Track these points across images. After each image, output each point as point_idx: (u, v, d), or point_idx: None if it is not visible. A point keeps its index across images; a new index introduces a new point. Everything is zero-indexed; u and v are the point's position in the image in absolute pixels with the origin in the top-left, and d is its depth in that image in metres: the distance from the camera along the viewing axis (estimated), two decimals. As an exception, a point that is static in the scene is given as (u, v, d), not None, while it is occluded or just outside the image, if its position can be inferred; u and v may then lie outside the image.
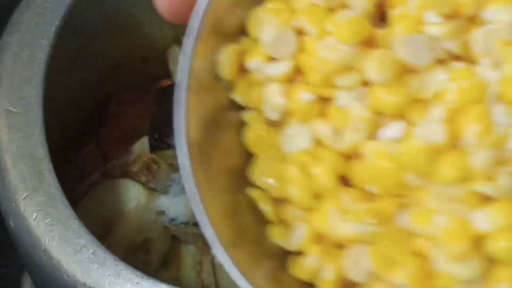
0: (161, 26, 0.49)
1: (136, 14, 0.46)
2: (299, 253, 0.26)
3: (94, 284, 0.34)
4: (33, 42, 0.39)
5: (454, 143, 0.24)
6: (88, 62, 0.46)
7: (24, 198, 0.36)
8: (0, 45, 0.40)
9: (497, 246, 0.24)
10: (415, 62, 0.25)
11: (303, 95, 0.25)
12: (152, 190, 0.46)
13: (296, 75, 0.26)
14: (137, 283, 0.34)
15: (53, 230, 0.35)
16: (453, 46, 0.25)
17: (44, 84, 0.38)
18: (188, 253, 0.46)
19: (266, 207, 0.26)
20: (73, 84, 0.45)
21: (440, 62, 0.25)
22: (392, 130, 0.25)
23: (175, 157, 0.24)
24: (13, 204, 0.36)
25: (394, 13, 0.25)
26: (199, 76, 0.25)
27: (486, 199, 0.24)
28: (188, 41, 0.24)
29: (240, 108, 0.26)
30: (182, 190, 0.46)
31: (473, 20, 0.25)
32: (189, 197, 0.24)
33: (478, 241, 0.24)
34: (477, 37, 0.25)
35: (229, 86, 0.26)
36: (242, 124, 0.26)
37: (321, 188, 0.25)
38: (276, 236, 0.26)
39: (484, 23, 0.25)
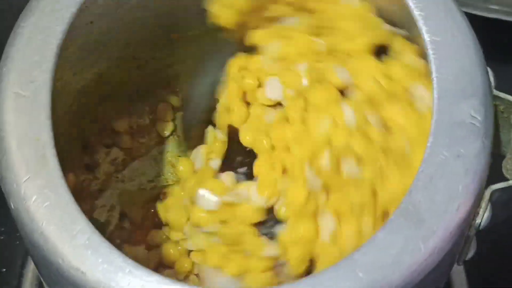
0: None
1: (154, 5, 0.47)
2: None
3: (86, 269, 0.34)
4: (47, 27, 0.39)
5: None
6: (102, 52, 0.46)
7: (25, 180, 0.36)
8: (15, 29, 0.40)
9: None
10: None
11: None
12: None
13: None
14: (128, 271, 0.34)
15: (51, 214, 0.35)
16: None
17: (54, 69, 0.39)
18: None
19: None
20: (85, 73, 0.46)
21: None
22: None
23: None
24: (15, 185, 0.36)
25: None
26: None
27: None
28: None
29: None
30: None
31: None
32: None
33: None
34: None
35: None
36: None
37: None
38: None
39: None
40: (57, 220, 0.35)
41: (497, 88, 0.41)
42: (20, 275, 0.54)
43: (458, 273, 0.54)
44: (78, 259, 0.35)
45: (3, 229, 0.54)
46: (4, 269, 0.54)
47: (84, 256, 0.35)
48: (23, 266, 0.54)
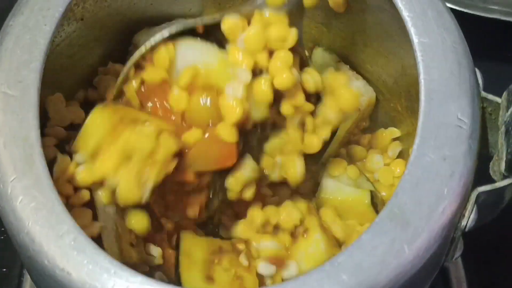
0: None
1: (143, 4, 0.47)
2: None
3: (72, 270, 0.35)
4: (35, 26, 0.39)
5: None
6: (91, 51, 0.46)
7: (12, 180, 0.36)
8: (3, 28, 0.40)
9: None
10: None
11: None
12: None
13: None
14: (114, 272, 0.34)
15: (37, 214, 0.36)
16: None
17: (42, 69, 0.39)
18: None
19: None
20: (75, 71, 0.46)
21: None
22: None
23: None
24: (1, 185, 0.36)
25: None
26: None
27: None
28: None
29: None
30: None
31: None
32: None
33: None
34: None
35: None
36: None
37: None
38: None
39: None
40: (44, 220, 0.36)
41: (485, 89, 0.41)
42: (20, 275, 0.54)
43: (457, 270, 0.54)
44: (64, 260, 0.35)
45: (3, 229, 0.54)
46: (5, 269, 0.54)
47: (70, 257, 0.35)
48: (23, 266, 0.54)
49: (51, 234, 0.35)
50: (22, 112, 0.38)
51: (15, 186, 0.36)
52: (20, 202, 0.36)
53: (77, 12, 0.42)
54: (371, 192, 0.46)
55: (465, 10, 0.59)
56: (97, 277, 0.34)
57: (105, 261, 0.35)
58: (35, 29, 0.39)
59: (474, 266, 0.54)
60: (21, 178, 0.36)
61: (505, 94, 0.40)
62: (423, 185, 0.36)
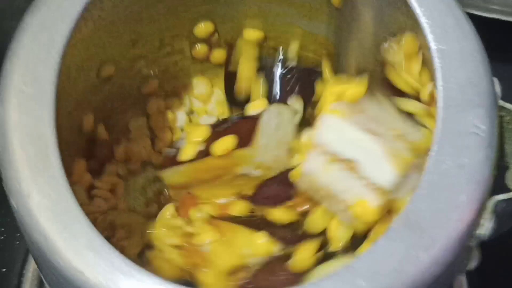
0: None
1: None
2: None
3: (86, 270, 0.34)
4: (53, 24, 0.39)
5: None
6: (108, 50, 0.46)
7: (27, 178, 0.36)
8: (21, 25, 0.40)
9: None
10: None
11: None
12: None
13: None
14: (128, 273, 0.34)
15: (52, 213, 0.35)
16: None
17: (59, 66, 0.39)
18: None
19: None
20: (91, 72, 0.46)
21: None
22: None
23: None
24: (16, 184, 0.36)
25: None
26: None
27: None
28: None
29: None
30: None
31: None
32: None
33: None
34: None
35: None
36: None
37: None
38: None
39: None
40: (58, 219, 0.35)
41: (503, 98, 0.41)
42: (20, 275, 0.54)
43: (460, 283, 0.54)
44: (78, 260, 0.35)
45: (3, 229, 0.54)
46: (4, 269, 0.54)
47: (84, 257, 0.35)
48: (23, 266, 0.54)
49: (65, 233, 0.35)
50: (38, 110, 0.38)
51: (30, 185, 0.36)
52: (35, 201, 0.36)
53: (94, 13, 0.42)
54: None
55: (465, 10, 0.59)
56: (112, 277, 0.34)
57: (120, 262, 0.34)
58: (52, 27, 0.39)
59: (477, 276, 0.54)
60: (36, 176, 0.36)
61: (522, 103, 0.40)
62: (439, 192, 0.36)
